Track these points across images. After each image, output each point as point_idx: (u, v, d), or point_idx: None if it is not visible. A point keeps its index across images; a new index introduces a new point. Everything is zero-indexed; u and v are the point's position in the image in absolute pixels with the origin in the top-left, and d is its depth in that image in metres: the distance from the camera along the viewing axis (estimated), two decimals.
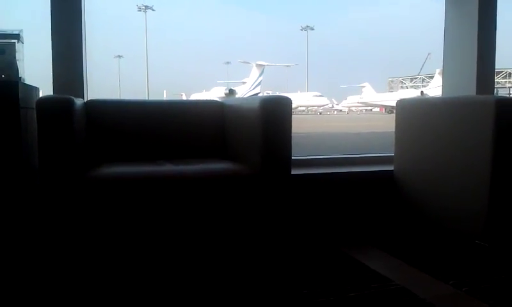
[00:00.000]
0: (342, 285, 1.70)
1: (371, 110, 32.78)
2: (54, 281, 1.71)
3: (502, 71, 26.56)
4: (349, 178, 2.53)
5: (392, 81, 35.23)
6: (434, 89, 20.37)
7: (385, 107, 28.53)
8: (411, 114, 2.47)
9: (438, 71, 20.55)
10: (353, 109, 33.41)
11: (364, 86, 30.56)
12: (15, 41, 2.02)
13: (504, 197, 1.99)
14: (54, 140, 1.65)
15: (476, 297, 1.61)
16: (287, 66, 26.93)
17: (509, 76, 27.66)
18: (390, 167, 2.56)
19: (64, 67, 2.25)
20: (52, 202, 1.67)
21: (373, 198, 2.53)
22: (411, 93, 25.56)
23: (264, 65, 20.57)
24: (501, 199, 1.98)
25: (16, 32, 2.04)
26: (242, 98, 5.10)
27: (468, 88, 2.72)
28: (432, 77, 25.35)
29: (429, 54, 31.08)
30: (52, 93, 2.19)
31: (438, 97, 3.45)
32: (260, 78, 20.43)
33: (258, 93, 19.09)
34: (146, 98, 9.73)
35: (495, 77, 2.96)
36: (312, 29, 25.81)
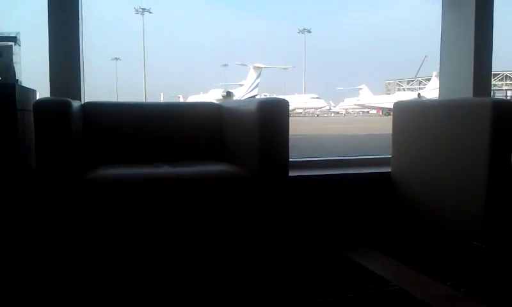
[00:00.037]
0: (340, 286, 1.71)
1: (368, 112, 32.81)
2: (51, 283, 1.70)
3: (499, 74, 26.70)
4: (347, 180, 2.53)
5: (389, 83, 35.31)
6: (431, 91, 20.39)
7: (382, 109, 28.56)
8: (408, 116, 2.48)
9: (435, 73, 20.56)
10: (350, 111, 33.48)
11: (361, 88, 30.58)
12: (12, 43, 2.02)
13: (501, 199, 2.00)
14: (51, 142, 1.65)
15: (473, 298, 1.62)
16: (285, 68, 27.00)
17: (506, 78, 27.79)
18: (388, 169, 2.57)
19: (62, 69, 2.25)
20: (50, 204, 1.67)
21: (370, 200, 2.53)
22: (408, 95, 25.63)
23: (261, 67, 20.56)
24: (498, 201, 1.99)
25: (14, 35, 2.05)
26: (240, 101, 5.10)
27: (464, 90, 2.73)
28: (429, 80, 25.39)
29: (426, 56, 31.12)
30: (49, 95, 2.19)
31: (435, 99, 3.46)
32: (258, 80, 20.40)
33: (256, 95, 19.07)
34: (144, 101, 9.73)
35: (492, 79, 2.97)
36: (309, 31, 25.91)
